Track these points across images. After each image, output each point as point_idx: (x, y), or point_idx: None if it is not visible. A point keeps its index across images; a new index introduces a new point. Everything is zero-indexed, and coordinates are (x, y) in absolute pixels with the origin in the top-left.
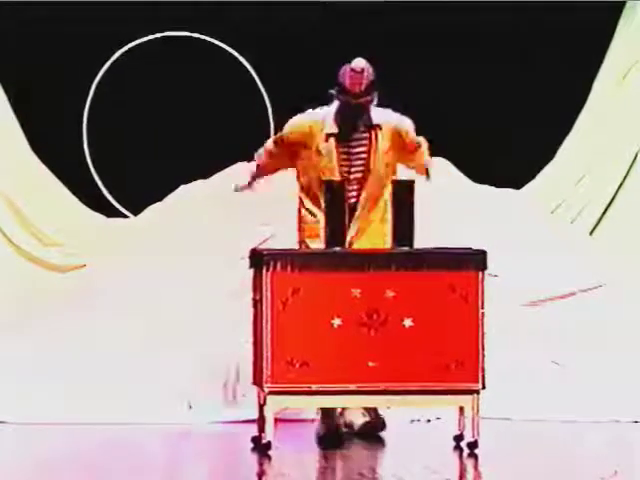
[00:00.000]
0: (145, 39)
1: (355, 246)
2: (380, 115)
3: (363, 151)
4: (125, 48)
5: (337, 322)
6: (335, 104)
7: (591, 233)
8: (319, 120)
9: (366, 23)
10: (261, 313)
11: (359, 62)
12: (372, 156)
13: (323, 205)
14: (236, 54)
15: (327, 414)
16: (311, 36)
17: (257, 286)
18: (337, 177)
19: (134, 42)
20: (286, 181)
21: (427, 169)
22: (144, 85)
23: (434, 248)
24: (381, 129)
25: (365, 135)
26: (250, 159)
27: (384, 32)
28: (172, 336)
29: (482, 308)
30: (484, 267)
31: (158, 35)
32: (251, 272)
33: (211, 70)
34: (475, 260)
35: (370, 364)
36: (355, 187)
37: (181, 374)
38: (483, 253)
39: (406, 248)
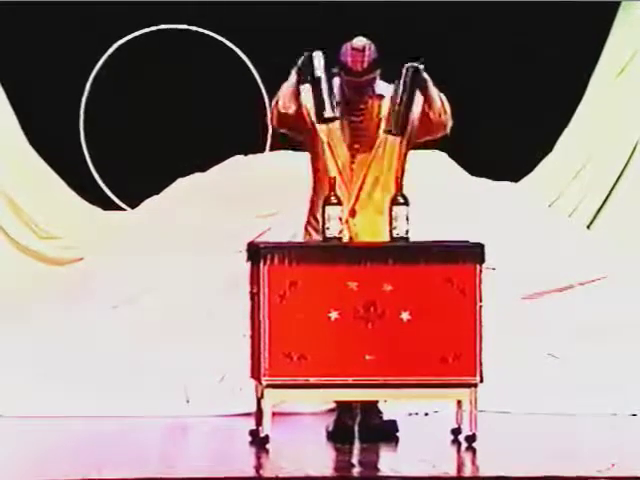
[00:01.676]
0: (142, 32)
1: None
2: (385, 87)
3: (361, 120)
4: (121, 42)
5: (334, 315)
6: (337, 81)
7: (589, 226)
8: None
9: (363, 16)
10: (258, 306)
11: (360, 40)
12: (368, 124)
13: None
14: (233, 47)
15: (342, 410)
16: (309, 27)
17: (254, 279)
18: (345, 150)
19: (130, 35)
20: (285, 172)
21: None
22: (141, 78)
23: (431, 241)
24: (383, 98)
25: (366, 105)
26: (247, 152)
27: (381, 26)
28: (170, 329)
29: (480, 301)
30: (482, 260)
31: (154, 28)
32: (248, 265)
33: (208, 63)
34: (473, 253)
35: (367, 357)
36: (360, 158)
37: (179, 367)
38: (481, 246)
39: (404, 242)
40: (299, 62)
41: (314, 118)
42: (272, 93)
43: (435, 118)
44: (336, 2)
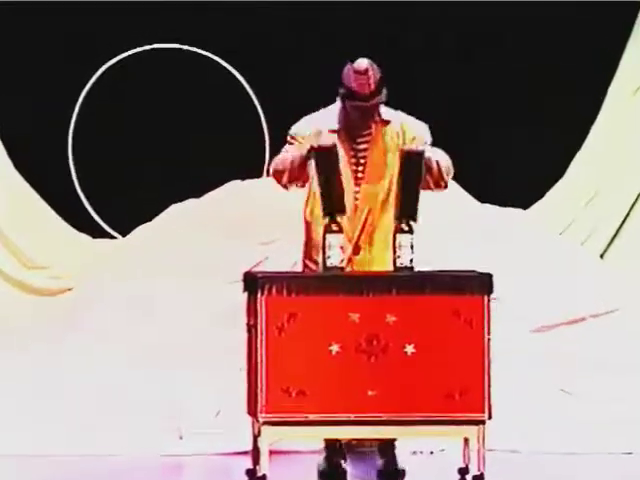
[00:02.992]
0: (133, 52)
1: (361, 257)
2: (391, 113)
3: (365, 148)
4: (111, 62)
5: (335, 348)
6: (337, 105)
7: (602, 255)
8: (322, 122)
9: (359, 35)
10: (255, 339)
11: (361, 62)
12: (373, 151)
13: (315, 176)
14: (230, 68)
15: (330, 448)
16: (309, 50)
17: (251, 311)
18: (349, 180)
19: (121, 56)
20: (285, 197)
21: (440, 170)
22: (133, 101)
23: (437, 271)
24: (388, 124)
25: (370, 131)
26: (244, 177)
27: (378, 49)
28: (162, 362)
29: (488, 334)
30: (490, 291)
31: (146, 48)
32: (245, 296)
33: (204, 85)
34: (480, 283)
35: (370, 393)
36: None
37: (172, 402)
38: (489, 276)
39: (408, 272)
40: (308, 155)
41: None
42: (270, 113)
43: (433, 183)
44: (334, 22)
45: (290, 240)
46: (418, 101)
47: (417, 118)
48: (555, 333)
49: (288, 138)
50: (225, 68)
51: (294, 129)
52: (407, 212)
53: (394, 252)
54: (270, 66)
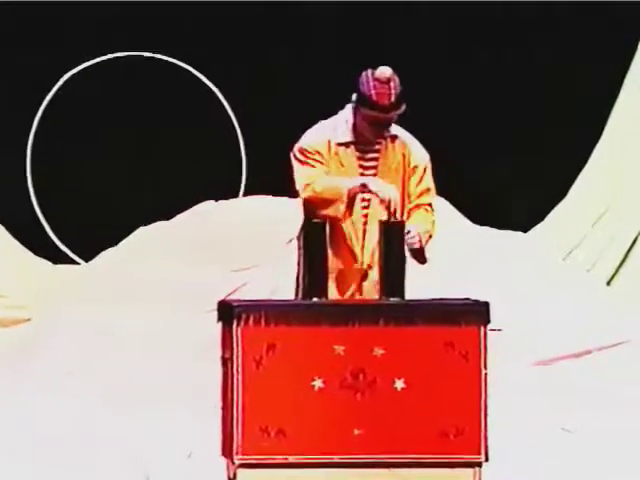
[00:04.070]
0: (96, 61)
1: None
2: (398, 129)
3: (374, 165)
4: (71, 73)
5: (318, 383)
6: (348, 111)
7: (609, 282)
8: (330, 133)
9: (345, 47)
10: (231, 373)
11: (384, 70)
12: (382, 167)
13: (301, 249)
14: (205, 80)
15: None
16: (291, 62)
17: (226, 342)
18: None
19: (82, 65)
20: (262, 220)
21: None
22: (96, 116)
23: (429, 299)
24: (396, 139)
25: (379, 147)
26: (218, 197)
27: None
28: (129, 398)
29: (485, 368)
30: (487, 321)
31: (111, 56)
32: (219, 326)
33: (174, 98)
34: (476, 313)
35: (356, 432)
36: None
37: (139, 442)
38: (485, 305)
39: (397, 299)
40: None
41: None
42: (247, 128)
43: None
44: (311, 34)
45: (269, 266)
46: (415, 117)
47: (413, 135)
48: (558, 367)
49: (297, 152)
50: (200, 80)
51: (304, 142)
52: (393, 290)
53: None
54: (249, 80)
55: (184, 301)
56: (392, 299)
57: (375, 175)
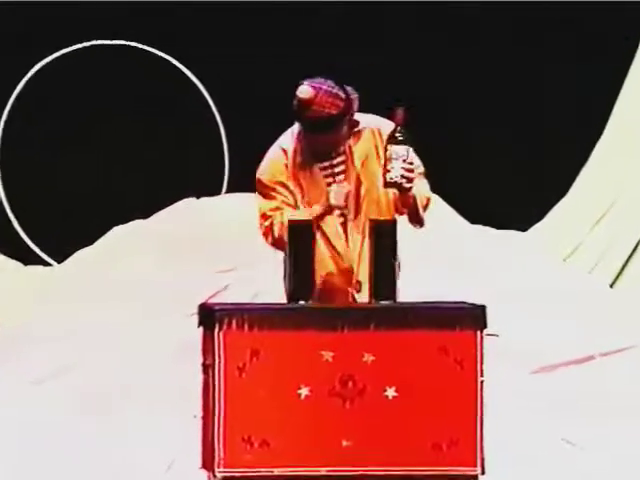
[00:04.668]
0: (68, 50)
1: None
2: (363, 119)
3: (342, 179)
4: (42, 63)
5: (305, 392)
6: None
7: (612, 285)
8: (290, 151)
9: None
10: (212, 380)
11: (303, 90)
12: (349, 169)
13: (287, 252)
14: (186, 71)
15: None
16: (277, 56)
17: (208, 348)
18: (334, 221)
19: (53, 55)
20: (246, 219)
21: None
22: (69, 108)
23: (421, 302)
24: (359, 134)
25: (343, 156)
26: (200, 194)
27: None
28: (103, 408)
29: (481, 375)
30: (483, 325)
31: (80, 45)
32: (200, 331)
33: (151, 90)
34: (472, 317)
35: (345, 443)
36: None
37: (114, 455)
38: (481, 308)
39: (388, 302)
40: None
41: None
42: (228, 121)
43: (408, 219)
44: (305, 26)
45: (253, 267)
46: (415, 117)
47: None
48: (559, 374)
49: (259, 186)
50: (180, 71)
51: (262, 172)
52: (383, 292)
53: (384, 166)
54: (232, 73)
55: (162, 304)
56: (383, 302)
57: (344, 181)
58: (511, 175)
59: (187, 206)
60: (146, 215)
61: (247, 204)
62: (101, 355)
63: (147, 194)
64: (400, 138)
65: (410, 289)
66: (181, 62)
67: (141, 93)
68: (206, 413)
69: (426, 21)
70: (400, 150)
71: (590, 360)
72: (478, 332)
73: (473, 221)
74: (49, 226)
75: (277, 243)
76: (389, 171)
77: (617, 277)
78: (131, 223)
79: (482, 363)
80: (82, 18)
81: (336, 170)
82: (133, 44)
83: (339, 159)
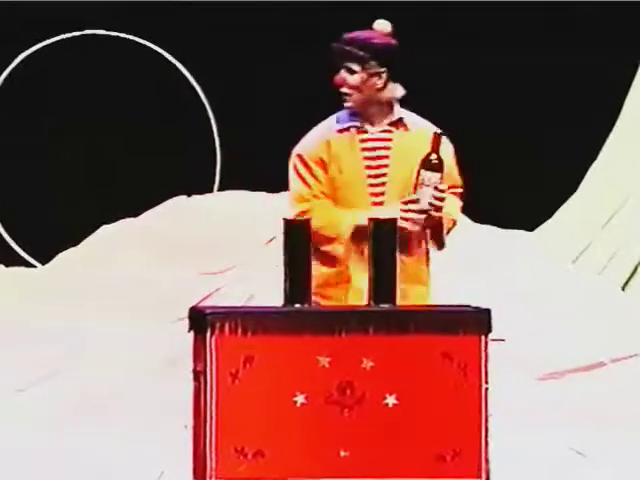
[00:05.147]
0: (52, 41)
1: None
2: (411, 116)
3: (385, 154)
4: (26, 54)
5: (300, 399)
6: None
7: (624, 288)
8: (328, 127)
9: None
10: (204, 388)
11: (380, 23)
12: (393, 159)
13: (283, 251)
14: (176, 63)
15: None
16: (272, 51)
17: (199, 354)
18: (365, 191)
19: (38, 45)
20: (239, 218)
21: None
22: (53, 104)
23: (424, 305)
24: (407, 128)
25: (389, 135)
26: (190, 192)
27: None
28: (90, 417)
29: (485, 382)
30: (488, 330)
31: (66, 36)
32: (191, 336)
33: (140, 84)
34: (476, 321)
35: (343, 453)
36: (380, 199)
37: (101, 466)
38: (486, 312)
39: (388, 305)
40: None
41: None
42: (220, 115)
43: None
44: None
45: (246, 268)
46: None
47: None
48: (567, 381)
49: (296, 160)
50: (170, 62)
51: (300, 147)
52: (383, 295)
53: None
54: (223, 66)
55: (152, 308)
56: (382, 305)
57: (387, 171)
58: (517, 173)
59: (178, 204)
60: (135, 214)
61: (241, 202)
62: (87, 361)
63: (136, 192)
64: (434, 163)
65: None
66: (173, 56)
67: (130, 88)
68: (197, 422)
69: (427, 18)
70: (433, 177)
71: (600, 366)
72: (483, 337)
73: (478, 221)
74: (32, 225)
75: (314, 237)
76: (418, 197)
77: (629, 279)
78: (119, 222)
79: (487, 369)
80: (71, 11)
81: (376, 155)
82: (122, 35)
83: (382, 144)
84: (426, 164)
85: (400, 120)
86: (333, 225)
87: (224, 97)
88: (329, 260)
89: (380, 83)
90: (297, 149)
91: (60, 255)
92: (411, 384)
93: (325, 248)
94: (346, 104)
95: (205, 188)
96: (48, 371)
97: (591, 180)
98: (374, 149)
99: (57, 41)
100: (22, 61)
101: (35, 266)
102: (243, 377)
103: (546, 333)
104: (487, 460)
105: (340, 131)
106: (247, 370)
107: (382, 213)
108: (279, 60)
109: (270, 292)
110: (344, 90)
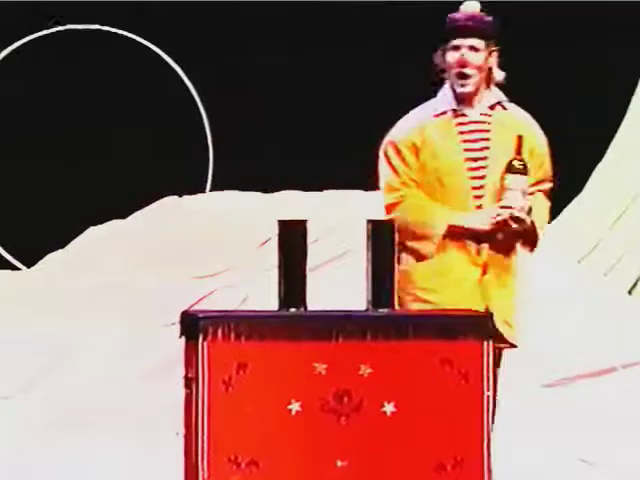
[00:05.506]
0: (37, 35)
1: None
2: (511, 105)
3: (485, 137)
4: (9, 49)
5: (296, 407)
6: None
7: (631, 291)
8: (425, 111)
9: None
10: (196, 395)
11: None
12: (493, 144)
13: (277, 253)
14: (169, 60)
15: None
16: (268, 49)
17: (191, 360)
18: (464, 174)
19: (22, 40)
20: (232, 219)
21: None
22: (38, 102)
23: (423, 310)
24: (505, 108)
25: (487, 119)
26: (182, 192)
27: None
28: (77, 425)
29: (488, 390)
30: (490, 335)
31: (54, 30)
32: (183, 342)
33: (130, 82)
34: (478, 326)
35: (339, 463)
36: (480, 182)
37: (89, 475)
38: (488, 317)
39: (386, 309)
40: None
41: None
42: (212, 113)
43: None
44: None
45: (240, 271)
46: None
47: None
48: (574, 388)
49: (387, 147)
50: (161, 58)
51: (392, 134)
52: (381, 298)
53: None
54: (216, 63)
55: (142, 312)
56: (381, 309)
57: (486, 154)
58: None
59: (168, 205)
60: (124, 215)
61: (233, 202)
62: (74, 368)
63: (125, 192)
64: (519, 167)
65: None
66: (168, 55)
67: (120, 85)
68: (189, 430)
69: (428, 18)
70: (520, 181)
71: (610, 372)
72: (485, 342)
73: None
74: (18, 227)
75: (400, 228)
76: (504, 202)
77: (637, 282)
78: (107, 224)
79: (489, 376)
80: (54, 6)
81: (474, 137)
82: (113, 30)
83: (482, 127)
84: (511, 168)
85: (499, 102)
86: (426, 224)
87: (217, 96)
88: (419, 256)
89: (495, 62)
90: (389, 135)
91: (46, 258)
92: (410, 391)
93: (413, 245)
94: (465, 87)
95: (197, 188)
96: (33, 377)
97: (597, 180)
98: (473, 132)
99: (43, 37)
100: (4, 58)
101: (20, 269)
102: (236, 384)
103: (553, 338)
104: (490, 470)
105: (436, 115)
106: (240, 377)
107: (474, 219)
108: (274, 60)
109: (264, 296)
110: (467, 71)
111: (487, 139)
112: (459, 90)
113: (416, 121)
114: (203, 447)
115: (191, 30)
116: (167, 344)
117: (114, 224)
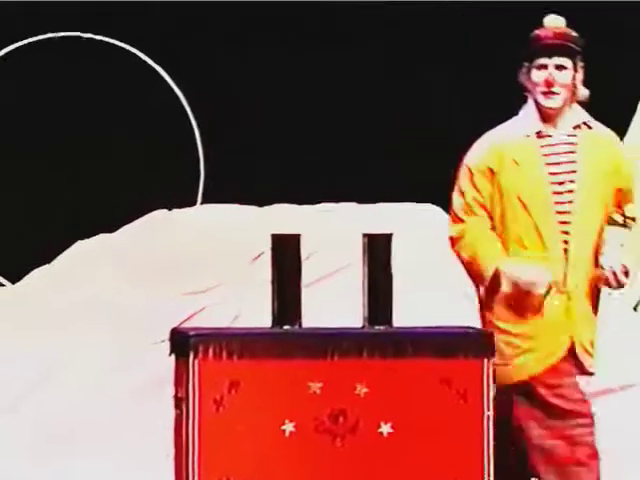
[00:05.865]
0: (22, 43)
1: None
2: (597, 124)
3: (572, 159)
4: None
5: (289, 428)
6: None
7: (636, 307)
8: (506, 133)
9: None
10: (186, 415)
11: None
12: (582, 165)
13: (271, 267)
14: (156, 67)
15: None
16: (260, 58)
17: (181, 379)
18: (549, 200)
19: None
20: (224, 233)
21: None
22: (25, 112)
23: (421, 327)
24: (591, 128)
25: (573, 139)
26: (172, 205)
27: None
28: (64, 447)
29: (488, 410)
30: (490, 353)
31: (50, 35)
32: (172, 360)
33: (119, 91)
34: (478, 343)
35: None
36: (567, 208)
37: None
38: (489, 335)
39: (383, 326)
40: None
41: None
42: (204, 123)
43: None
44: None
45: (232, 287)
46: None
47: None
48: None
49: (462, 171)
50: (152, 68)
51: (468, 156)
52: (378, 315)
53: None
54: (208, 73)
55: (130, 329)
56: (377, 326)
57: (573, 178)
58: None
59: (158, 219)
60: (112, 229)
61: (225, 216)
62: (59, 387)
63: (113, 205)
64: (617, 220)
65: (408, 311)
66: (157, 63)
67: (109, 97)
68: (179, 452)
69: (428, 19)
70: (617, 235)
71: (631, 388)
72: (485, 360)
73: None
74: (2, 242)
75: (465, 266)
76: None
77: None
78: (95, 238)
79: (489, 396)
80: (47, 12)
81: (561, 160)
82: (105, 39)
83: (567, 147)
84: (613, 220)
85: (584, 122)
86: (478, 267)
87: (208, 107)
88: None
89: (580, 80)
90: (465, 158)
91: (32, 273)
92: (408, 412)
93: (471, 278)
94: (552, 105)
95: (187, 201)
96: (16, 396)
97: None
98: (559, 154)
99: (31, 44)
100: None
101: (4, 285)
102: (228, 404)
103: None
104: None
105: (518, 137)
106: (232, 396)
107: (531, 273)
108: (266, 68)
109: (257, 312)
110: (555, 89)
111: (574, 161)
112: (546, 106)
113: (493, 143)
114: (194, 469)
115: (183, 37)
116: (156, 362)
117: (102, 238)
